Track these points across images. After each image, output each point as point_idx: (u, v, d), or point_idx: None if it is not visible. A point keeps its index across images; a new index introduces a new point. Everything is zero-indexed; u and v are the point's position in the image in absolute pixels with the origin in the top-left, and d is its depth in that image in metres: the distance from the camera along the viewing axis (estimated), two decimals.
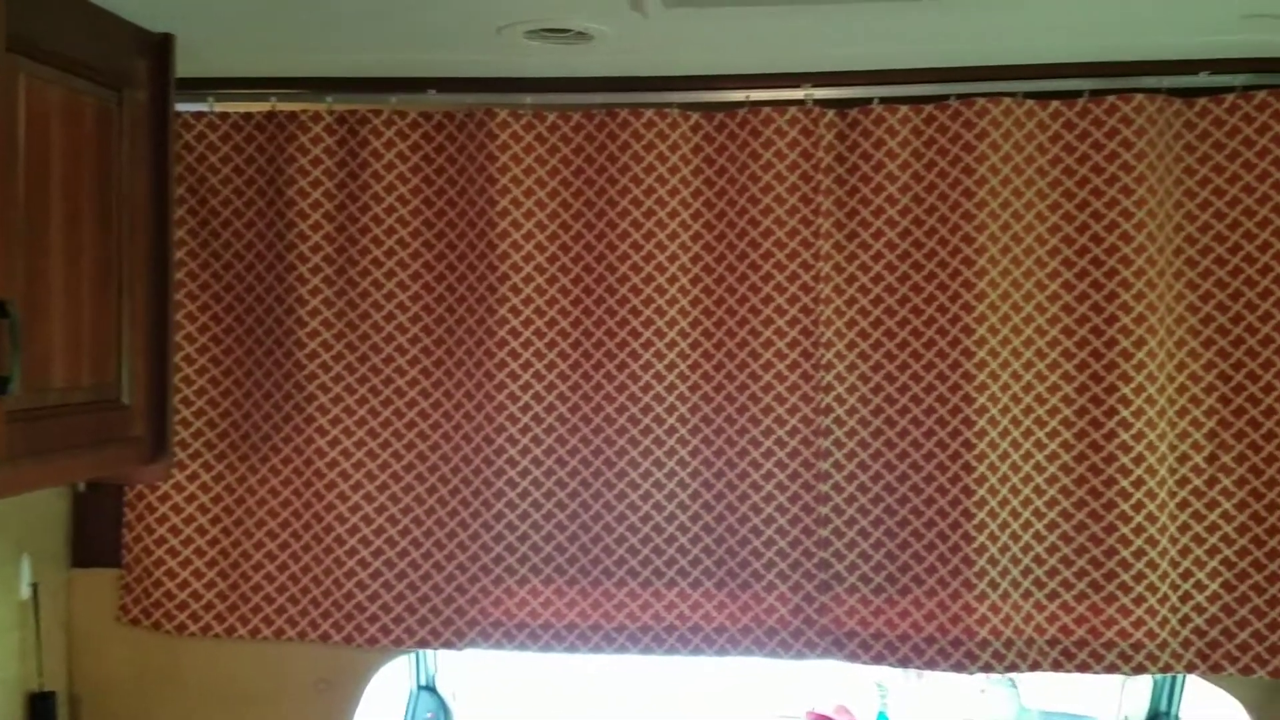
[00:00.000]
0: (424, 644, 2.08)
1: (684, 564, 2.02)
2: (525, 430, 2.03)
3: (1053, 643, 1.95)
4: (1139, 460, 1.90)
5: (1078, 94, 1.93)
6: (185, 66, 1.80)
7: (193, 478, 2.10)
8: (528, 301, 2.03)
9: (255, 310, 2.10)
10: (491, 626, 2.05)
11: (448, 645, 2.07)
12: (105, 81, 1.63)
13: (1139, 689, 2.58)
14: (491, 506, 2.03)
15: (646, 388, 2.01)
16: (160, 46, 1.75)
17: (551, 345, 2.04)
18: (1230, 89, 1.90)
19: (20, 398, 1.42)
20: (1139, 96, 1.90)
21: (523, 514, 2.04)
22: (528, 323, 2.03)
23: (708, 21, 1.69)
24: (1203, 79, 1.89)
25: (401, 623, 2.07)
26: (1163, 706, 2.52)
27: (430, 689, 2.47)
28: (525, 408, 2.03)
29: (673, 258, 2.01)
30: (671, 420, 2.02)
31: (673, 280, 2.01)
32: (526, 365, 2.03)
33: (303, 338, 2.06)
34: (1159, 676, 2.45)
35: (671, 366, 2.01)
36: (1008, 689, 3.82)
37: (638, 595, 2.03)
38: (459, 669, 2.52)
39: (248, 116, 2.07)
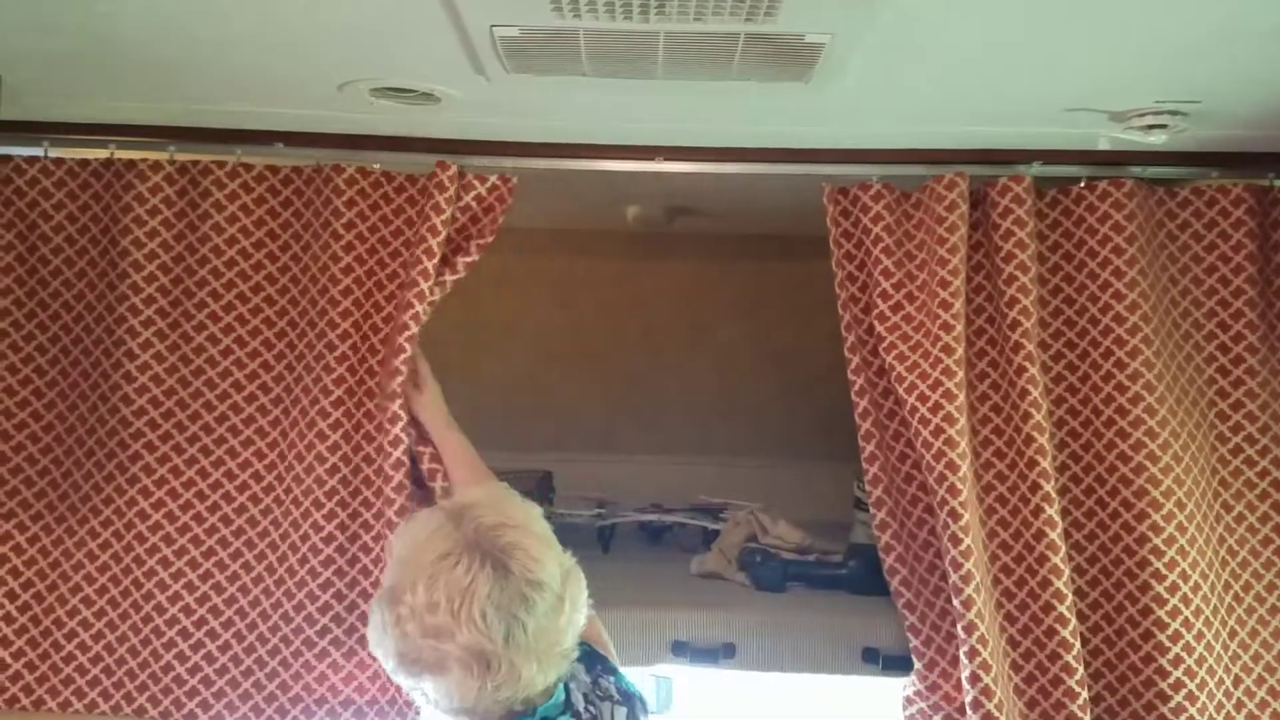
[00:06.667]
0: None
1: None
2: None
3: None
4: None
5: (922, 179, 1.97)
6: (18, 110, 1.73)
7: (4, 538, 1.96)
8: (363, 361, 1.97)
9: (81, 363, 2.00)
10: (316, 704, 1.94)
11: None
12: None
13: None
14: (318, 575, 1.94)
15: None
16: None
17: None
18: (1074, 179, 1.97)
19: None
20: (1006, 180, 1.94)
21: (352, 582, 1.95)
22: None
23: (557, 90, 1.69)
24: (1036, 169, 1.96)
25: (223, 698, 1.95)
26: None
27: None
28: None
29: None
30: None
31: None
32: None
33: (130, 393, 1.97)
34: None
35: None
36: None
37: None
38: None
39: (84, 163, 2.00)
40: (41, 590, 1.97)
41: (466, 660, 1.29)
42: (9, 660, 1.95)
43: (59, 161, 1.99)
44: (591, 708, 1.45)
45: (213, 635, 1.96)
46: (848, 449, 2.54)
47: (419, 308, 1.88)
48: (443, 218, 1.91)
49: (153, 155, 1.98)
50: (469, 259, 1.94)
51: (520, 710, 1.36)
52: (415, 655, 1.31)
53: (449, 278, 1.93)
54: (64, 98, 1.85)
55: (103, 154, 1.99)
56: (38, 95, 1.79)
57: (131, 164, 1.98)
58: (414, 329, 1.89)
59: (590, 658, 1.52)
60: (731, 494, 2.67)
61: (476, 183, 1.95)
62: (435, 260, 1.90)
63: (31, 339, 1.99)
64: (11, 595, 1.96)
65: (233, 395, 1.99)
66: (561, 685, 1.40)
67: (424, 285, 1.89)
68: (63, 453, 1.99)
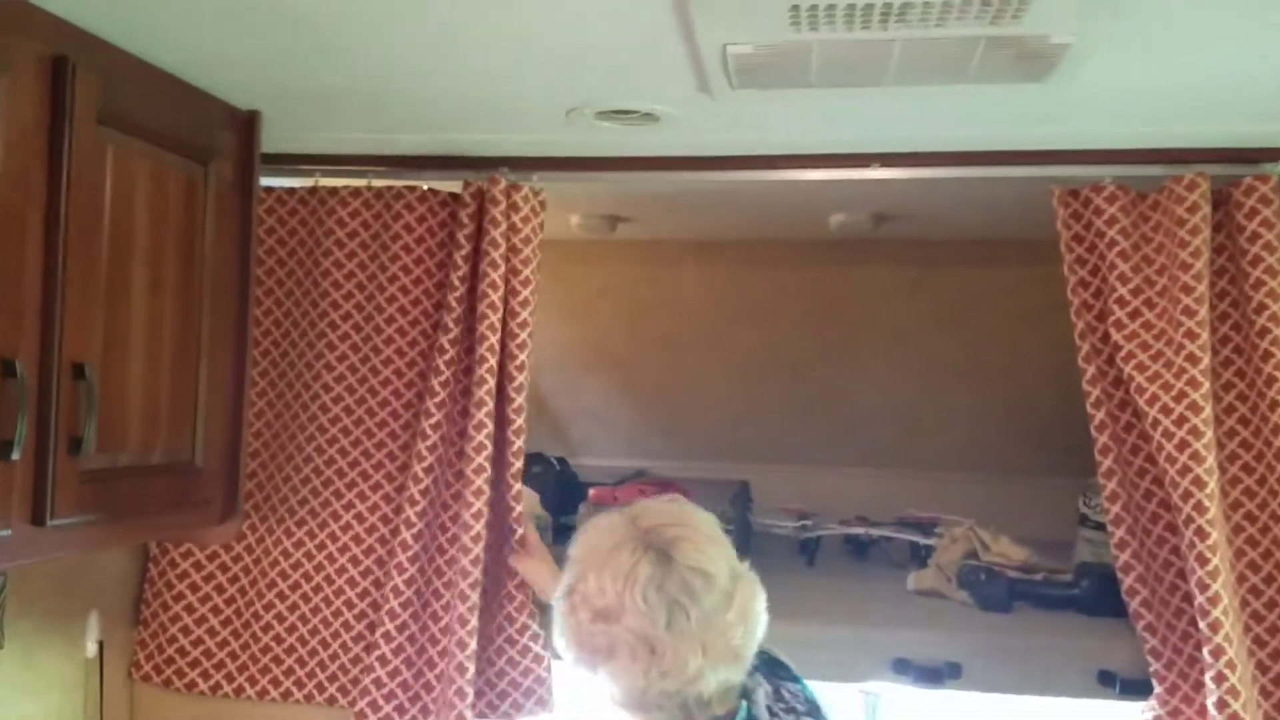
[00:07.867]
0: (427, 711, 2.03)
1: None
2: None
3: None
4: None
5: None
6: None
7: None
8: None
9: (288, 375, 2.14)
10: (524, 695, 2.02)
11: (459, 716, 2.02)
12: (193, 155, 1.70)
13: None
14: (513, 577, 2.02)
15: None
16: (247, 123, 1.82)
17: None
18: None
19: (94, 458, 1.46)
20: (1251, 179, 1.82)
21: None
22: None
23: (775, 102, 1.69)
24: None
25: (408, 689, 2.03)
26: None
27: None
28: None
29: None
30: None
31: None
32: None
33: (327, 402, 2.10)
34: None
35: None
36: None
37: None
38: None
39: (291, 191, 2.13)
40: (245, 585, 2.13)
41: (632, 644, 1.31)
42: (215, 649, 2.12)
43: (268, 190, 2.13)
44: None
45: (402, 628, 2.03)
46: (1062, 464, 2.44)
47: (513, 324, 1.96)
48: (500, 231, 1.96)
49: (353, 183, 2.09)
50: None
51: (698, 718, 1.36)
52: (588, 642, 1.35)
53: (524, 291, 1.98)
54: (305, 131, 1.97)
55: (308, 182, 2.12)
56: (282, 129, 1.92)
57: (334, 191, 2.10)
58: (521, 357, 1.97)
59: (771, 665, 1.51)
60: (938, 509, 2.60)
61: (517, 196, 1.98)
62: (500, 272, 1.97)
63: None
64: (220, 589, 2.13)
65: (416, 404, 2.07)
66: (744, 703, 1.39)
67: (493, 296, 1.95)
68: (268, 457, 2.14)
